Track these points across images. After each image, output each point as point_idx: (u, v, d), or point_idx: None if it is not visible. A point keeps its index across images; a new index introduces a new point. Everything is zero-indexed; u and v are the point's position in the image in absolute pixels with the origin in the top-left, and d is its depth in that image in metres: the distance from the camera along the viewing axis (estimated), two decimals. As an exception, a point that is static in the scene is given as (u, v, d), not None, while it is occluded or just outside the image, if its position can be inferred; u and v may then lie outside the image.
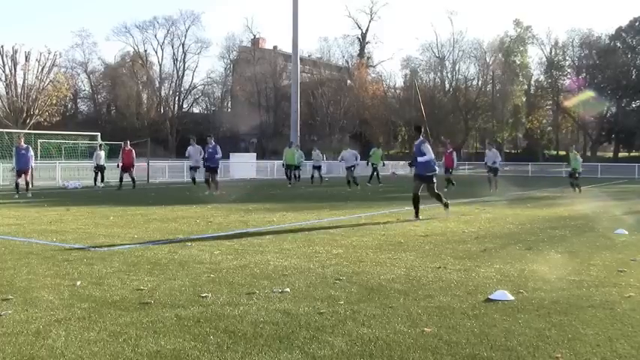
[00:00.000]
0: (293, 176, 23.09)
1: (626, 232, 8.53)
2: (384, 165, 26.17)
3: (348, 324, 3.86)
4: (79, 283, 5.02)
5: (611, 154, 68.27)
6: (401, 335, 3.64)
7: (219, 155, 17.16)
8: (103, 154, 22.55)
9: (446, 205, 11.10)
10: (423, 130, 11.34)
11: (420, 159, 10.71)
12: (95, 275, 5.37)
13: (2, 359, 3.20)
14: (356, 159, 20.85)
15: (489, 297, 4.61)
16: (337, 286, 5.01)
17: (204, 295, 4.63)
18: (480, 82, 71.21)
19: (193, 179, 20.37)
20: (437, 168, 11.00)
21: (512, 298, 4.57)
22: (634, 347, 3.45)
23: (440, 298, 4.61)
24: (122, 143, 21.28)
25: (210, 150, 17.00)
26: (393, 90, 73.25)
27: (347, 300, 4.51)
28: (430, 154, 10.77)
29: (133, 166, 20.76)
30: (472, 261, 6.27)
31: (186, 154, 20.67)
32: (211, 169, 17.10)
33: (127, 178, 20.51)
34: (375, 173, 23.75)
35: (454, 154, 21.88)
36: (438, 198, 11.02)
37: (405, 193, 18.90)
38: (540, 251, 6.98)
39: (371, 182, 23.38)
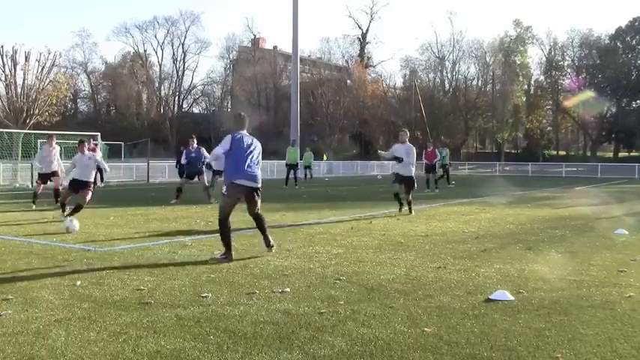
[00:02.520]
0: (294, 177, 22.75)
1: (626, 232, 8.52)
2: (450, 165, 25.93)
3: (348, 324, 3.86)
4: (79, 283, 5.02)
5: (611, 154, 68.27)
6: (401, 335, 3.64)
7: (204, 158, 13.93)
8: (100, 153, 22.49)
9: (226, 248, 6.35)
10: (245, 119, 6.90)
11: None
12: (95, 275, 5.37)
13: (2, 359, 3.20)
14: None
15: (489, 297, 4.62)
16: (337, 286, 5.01)
17: (204, 295, 4.63)
18: (480, 82, 71.25)
19: (34, 194, 12.73)
20: (233, 180, 6.60)
21: (512, 298, 4.57)
22: (634, 347, 3.45)
23: (440, 298, 4.61)
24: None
25: (193, 155, 14.26)
26: (392, 90, 73.29)
27: (347, 300, 4.51)
28: (216, 153, 6.71)
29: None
30: (472, 261, 6.27)
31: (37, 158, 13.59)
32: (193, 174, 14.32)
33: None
34: (446, 174, 23.95)
35: (436, 151, 20.65)
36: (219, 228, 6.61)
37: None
38: (540, 251, 6.98)
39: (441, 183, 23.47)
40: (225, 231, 6.40)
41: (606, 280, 5.34)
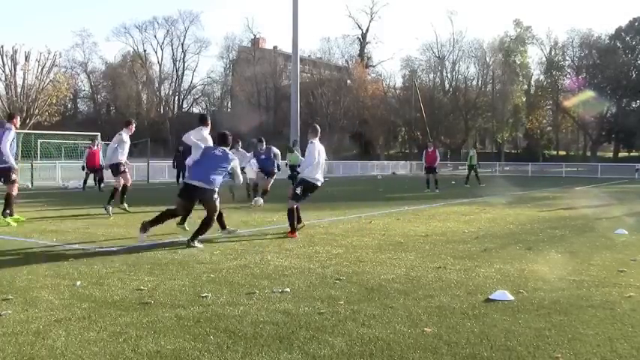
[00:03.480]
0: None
1: (626, 232, 8.52)
2: (479, 165, 26.53)
3: (348, 324, 3.86)
4: (79, 283, 5.02)
5: (611, 154, 68.29)
6: (401, 335, 3.64)
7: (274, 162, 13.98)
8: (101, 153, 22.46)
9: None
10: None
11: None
12: (95, 275, 5.36)
13: (2, 359, 3.20)
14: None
15: (489, 297, 4.61)
16: (337, 286, 5.01)
17: (204, 295, 4.63)
18: (480, 82, 71.31)
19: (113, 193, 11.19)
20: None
21: (512, 298, 4.57)
22: (634, 347, 3.45)
23: (440, 298, 4.61)
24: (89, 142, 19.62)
25: (263, 157, 13.89)
26: (392, 90, 73.34)
27: (347, 300, 4.51)
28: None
29: (101, 167, 19.19)
30: (472, 261, 6.26)
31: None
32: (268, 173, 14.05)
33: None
34: (475, 174, 24.40)
35: (436, 152, 20.76)
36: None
37: (405, 193, 18.92)
38: (540, 251, 6.98)
39: (469, 183, 23.77)
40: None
41: (606, 280, 5.34)
